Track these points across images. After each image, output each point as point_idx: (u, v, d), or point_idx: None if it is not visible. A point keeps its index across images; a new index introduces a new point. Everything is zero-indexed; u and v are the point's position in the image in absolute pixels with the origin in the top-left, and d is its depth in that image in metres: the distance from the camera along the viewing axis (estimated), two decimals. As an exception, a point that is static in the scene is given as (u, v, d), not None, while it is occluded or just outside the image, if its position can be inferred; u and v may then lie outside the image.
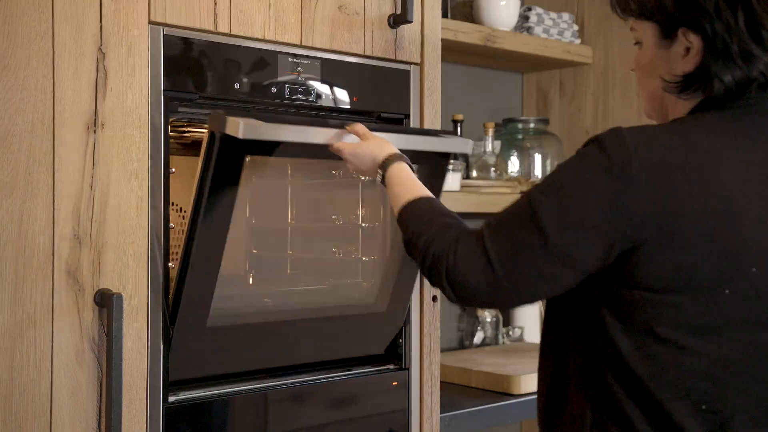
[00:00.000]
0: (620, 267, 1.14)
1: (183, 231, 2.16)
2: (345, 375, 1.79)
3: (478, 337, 2.66)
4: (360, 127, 1.55)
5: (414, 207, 1.34)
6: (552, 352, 1.27)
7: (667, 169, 1.11)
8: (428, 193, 1.37)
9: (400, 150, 1.49)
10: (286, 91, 1.69)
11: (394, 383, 1.86)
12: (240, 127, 1.43)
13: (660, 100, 1.27)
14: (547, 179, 1.18)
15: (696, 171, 1.11)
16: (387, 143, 1.49)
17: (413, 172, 1.45)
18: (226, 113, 1.45)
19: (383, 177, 1.44)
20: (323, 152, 1.57)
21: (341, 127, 1.56)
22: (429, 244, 1.24)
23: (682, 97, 1.22)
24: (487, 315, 2.66)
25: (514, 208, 1.20)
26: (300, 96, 1.71)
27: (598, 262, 1.14)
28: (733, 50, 1.16)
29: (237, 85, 1.62)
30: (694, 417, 1.13)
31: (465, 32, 2.29)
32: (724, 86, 1.17)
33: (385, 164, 1.44)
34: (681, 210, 1.10)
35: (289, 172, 2.03)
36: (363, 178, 1.61)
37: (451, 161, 2.29)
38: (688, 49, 1.19)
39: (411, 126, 1.88)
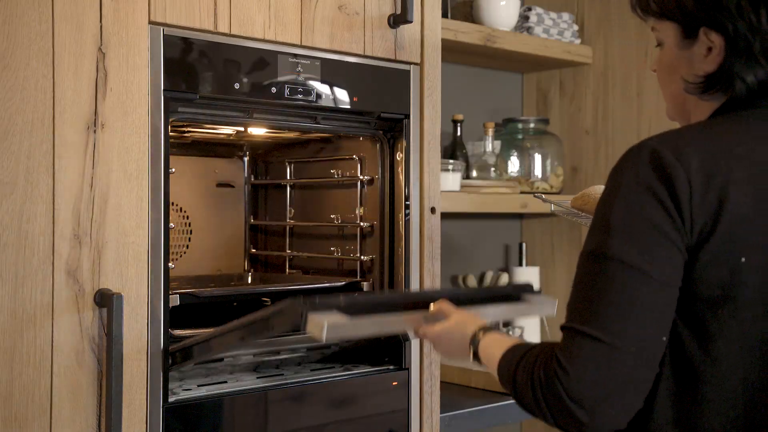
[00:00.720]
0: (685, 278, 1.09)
1: (183, 231, 2.17)
2: (345, 375, 1.79)
3: (478, 337, 2.66)
4: (444, 306, 1.37)
5: (505, 357, 1.20)
6: None
7: (713, 173, 1.07)
8: (519, 341, 1.24)
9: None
10: (286, 91, 1.69)
11: (394, 383, 1.86)
12: (324, 330, 1.26)
13: (682, 102, 1.25)
14: (596, 225, 1.12)
15: (741, 172, 1.08)
16: (472, 317, 1.34)
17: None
18: (306, 307, 1.28)
19: (476, 355, 1.29)
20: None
21: (425, 306, 1.39)
22: (527, 376, 1.11)
23: (704, 98, 1.20)
24: (487, 315, 2.66)
25: (581, 278, 1.11)
26: (300, 96, 1.71)
27: (681, 267, 1.08)
28: (756, 49, 1.13)
29: (237, 85, 1.62)
30: None
31: (465, 32, 2.29)
32: (747, 86, 1.15)
33: (474, 341, 1.29)
34: (735, 214, 1.07)
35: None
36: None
37: (451, 161, 2.30)
38: (710, 49, 1.17)
39: (411, 127, 1.88)
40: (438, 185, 1.95)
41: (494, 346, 1.24)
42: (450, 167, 2.27)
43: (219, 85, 1.59)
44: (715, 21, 1.15)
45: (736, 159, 1.09)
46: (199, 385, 1.64)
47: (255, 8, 1.63)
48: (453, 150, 2.51)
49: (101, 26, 1.45)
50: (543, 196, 1.96)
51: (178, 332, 1.58)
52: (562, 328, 1.11)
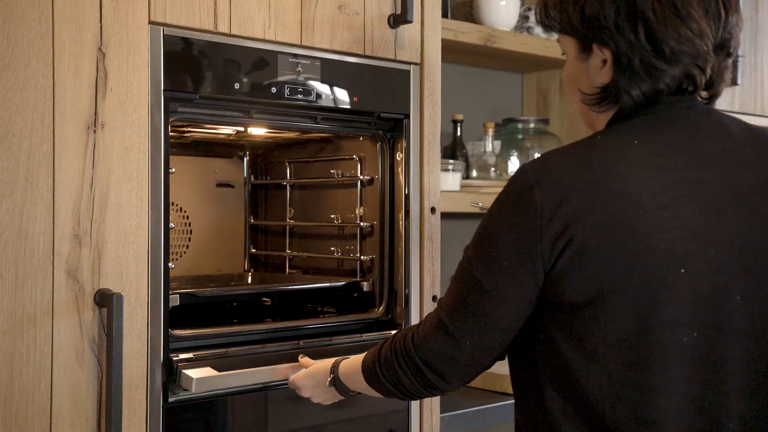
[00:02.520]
0: (549, 287, 1.17)
1: (183, 231, 2.17)
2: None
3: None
4: (307, 359, 1.63)
5: (368, 354, 1.43)
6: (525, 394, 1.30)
7: (568, 191, 1.13)
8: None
9: None
10: (286, 91, 1.69)
11: (394, 383, 1.86)
12: (193, 385, 1.51)
13: (586, 112, 1.29)
14: (476, 232, 1.25)
15: (596, 186, 1.13)
16: (330, 360, 1.55)
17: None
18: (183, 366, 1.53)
19: (337, 380, 1.51)
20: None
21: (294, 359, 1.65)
22: (390, 354, 1.36)
23: (597, 110, 1.26)
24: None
25: (457, 272, 1.27)
26: (300, 96, 1.71)
27: (533, 291, 1.18)
28: (636, 65, 1.18)
29: (237, 85, 1.62)
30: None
31: (465, 32, 2.29)
32: (633, 100, 1.20)
33: (333, 369, 1.52)
34: (585, 226, 1.12)
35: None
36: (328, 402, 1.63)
37: (451, 161, 2.30)
38: (604, 62, 1.22)
39: (411, 127, 1.88)
40: (438, 185, 1.95)
41: (353, 361, 1.47)
42: (450, 167, 2.27)
43: (219, 85, 1.59)
44: (600, 38, 1.20)
45: (589, 185, 1.13)
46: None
47: (255, 8, 1.63)
48: (453, 150, 2.51)
49: (101, 26, 1.45)
50: (480, 204, 1.95)
51: (178, 332, 1.58)
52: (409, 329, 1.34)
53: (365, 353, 1.44)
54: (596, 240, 1.12)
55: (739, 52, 1.29)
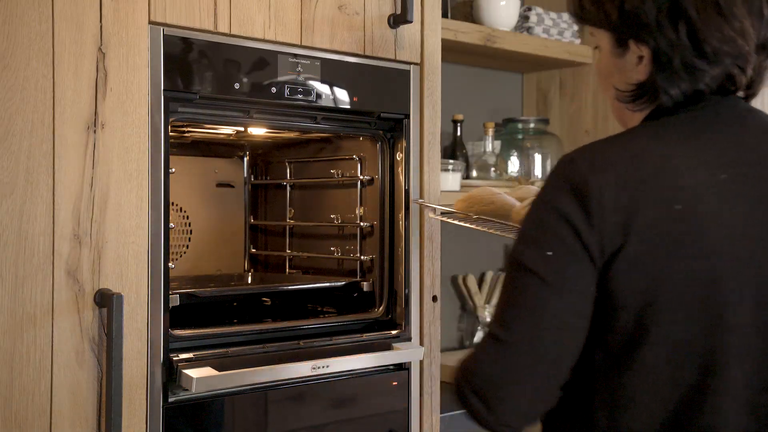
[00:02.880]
0: (601, 285, 1.10)
1: (183, 231, 2.17)
2: (345, 374, 1.79)
3: (478, 337, 2.66)
4: None
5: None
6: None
7: (624, 183, 1.08)
8: None
9: None
10: (286, 91, 1.69)
11: (394, 383, 1.86)
12: (193, 383, 1.51)
13: (620, 108, 1.25)
14: (520, 229, 1.16)
15: (651, 180, 1.09)
16: None
17: None
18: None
19: None
20: None
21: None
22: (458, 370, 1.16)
23: (633, 108, 1.21)
24: (487, 315, 2.66)
25: (504, 279, 1.16)
26: (300, 96, 1.71)
27: (592, 283, 1.09)
28: (676, 64, 1.13)
29: (237, 85, 1.62)
30: None
31: (465, 32, 2.29)
32: (672, 99, 1.16)
33: None
34: (644, 221, 1.07)
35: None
36: None
37: (451, 161, 2.30)
38: (641, 58, 1.17)
39: (411, 127, 1.88)
40: (438, 185, 1.95)
41: None
42: (450, 167, 2.26)
43: (219, 85, 1.59)
44: (638, 35, 1.16)
45: (648, 178, 1.09)
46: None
47: (255, 8, 1.63)
48: (453, 150, 2.51)
49: (101, 26, 1.45)
50: (422, 200, 1.88)
51: (178, 332, 1.58)
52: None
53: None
54: (656, 236, 1.07)
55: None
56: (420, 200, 1.90)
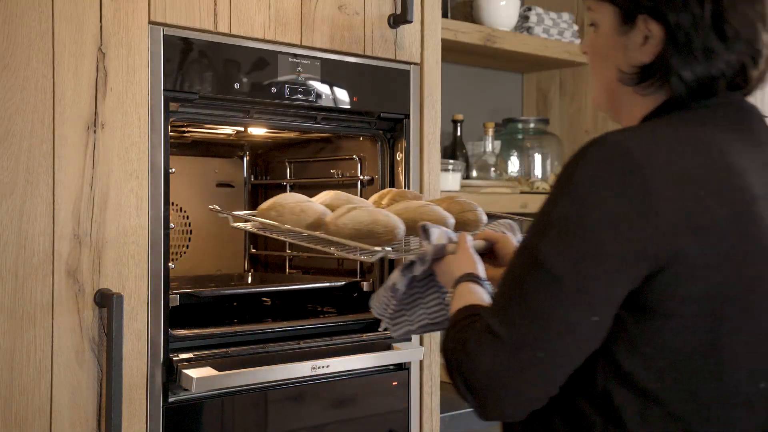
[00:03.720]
0: (647, 287, 1.00)
1: (183, 231, 2.17)
2: (345, 374, 1.79)
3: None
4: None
5: (454, 319, 1.16)
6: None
7: (684, 174, 1.00)
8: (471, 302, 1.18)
9: None
10: (286, 91, 1.69)
11: (394, 383, 1.86)
12: (193, 383, 1.51)
13: (614, 92, 1.16)
14: (540, 221, 1.04)
15: (714, 175, 1.01)
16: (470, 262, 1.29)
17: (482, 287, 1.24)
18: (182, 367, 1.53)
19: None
20: None
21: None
22: (445, 345, 1.11)
23: (639, 91, 1.12)
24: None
25: (509, 271, 1.05)
26: (300, 96, 1.71)
27: (623, 291, 1.00)
28: (696, 44, 1.06)
29: (237, 85, 1.62)
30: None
31: (465, 32, 2.29)
32: (684, 83, 1.07)
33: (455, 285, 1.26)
34: (711, 220, 0.99)
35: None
36: None
37: (451, 161, 2.30)
38: (646, 38, 1.09)
39: (411, 127, 1.88)
40: (438, 185, 1.95)
41: (456, 299, 1.21)
42: (450, 167, 2.27)
43: (219, 85, 1.59)
44: (657, 10, 1.08)
45: (707, 156, 1.03)
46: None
47: (255, 8, 1.63)
48: (453, 150, 2.51)
49: (101, 26, 1.45)
50: (214, 206, 1.70)
51: (178, 332, 1.58)
52: (478, 315, 1.08)
53: (462, 302, 1.19)
54: (719, 240, 1.00)
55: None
56: (213, 206, 1.71)
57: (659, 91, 1.11)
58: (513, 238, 1.43)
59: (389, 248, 1.42)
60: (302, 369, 1.68)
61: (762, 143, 1.10)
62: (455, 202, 1.62)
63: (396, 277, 1.34)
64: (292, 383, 1.70)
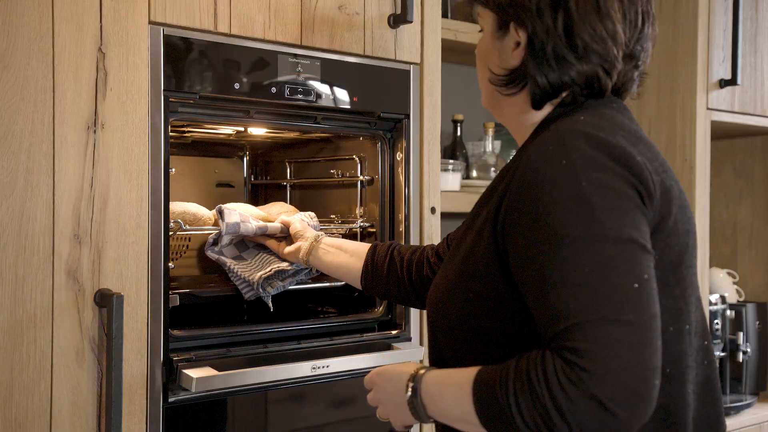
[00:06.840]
0: None
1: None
2: (345, 374, 1.79)
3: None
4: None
5: (480, 383, 1.05)
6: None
7: (650, 160, 1.12)
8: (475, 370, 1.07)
9: None
10: (286, 91, 1.69)
11: (394, 383, 1.86)
12: (193, 383, 1.51)
13: (492, 92, 1.29)
14: (546, 231, 1.03)
15: (661, 159, 1.16)
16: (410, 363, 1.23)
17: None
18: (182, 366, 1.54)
19: (415, 393, 1.14)
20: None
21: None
22: (529, 398, 0.97)
23: (503, 92, 1.24)
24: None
25: (572, 268, 1.00)
26: (300, 96, 1.71)
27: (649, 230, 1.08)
28: (548, 52, 1.17)
29: (237, 85, 1.62)
30: None
31: (465, 32, 2.29)
32: (539, 88, 1.18)
33: (415, 378, 1.15)
34: (672, 189, 1.14)
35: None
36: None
37: (451, 161, 2.30)
38: (518, 44, 1.20)
39: (411, 127, 1.88)
40: (438, 185, 1.95)
41: (444, 385, 1.11)
42: (450, 167, 2.26)
43: (219, 85, 1.59)
44: (519, 18, 1.19)
45: (661, 161, 1.16)
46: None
47: (255, 8, 1.63)
48: (453, 150, 2.51)
49: (101, 26, 1.45)
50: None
51: (178, 332, 1.58)
52: (560, 331, 0.97)
53: (460, 373, 1.09)
54: (680, 209, 1.15)
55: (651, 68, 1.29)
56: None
57: (521, 93, 1.23)
58: (305, 221, 1.81)
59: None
60: (302, 369, 1.68)
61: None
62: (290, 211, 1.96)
63: (212, 256, 1.76)
64: (293, 383, 1.70)
